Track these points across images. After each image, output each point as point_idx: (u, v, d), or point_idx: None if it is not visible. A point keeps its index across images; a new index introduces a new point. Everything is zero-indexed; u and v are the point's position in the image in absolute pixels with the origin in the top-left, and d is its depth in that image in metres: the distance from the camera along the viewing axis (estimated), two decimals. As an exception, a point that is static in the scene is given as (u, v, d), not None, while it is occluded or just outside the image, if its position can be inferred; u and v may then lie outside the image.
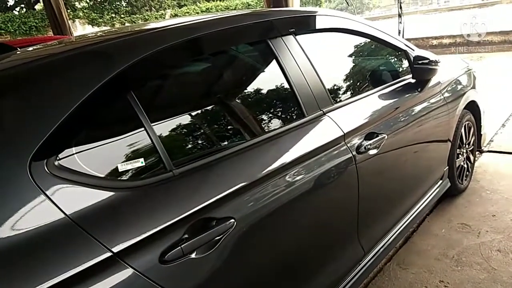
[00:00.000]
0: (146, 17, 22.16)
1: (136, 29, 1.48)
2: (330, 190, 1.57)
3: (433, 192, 2.46)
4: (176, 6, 24.14)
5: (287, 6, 4.83)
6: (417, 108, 2.13)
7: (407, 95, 2.11)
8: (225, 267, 1.18)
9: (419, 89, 2.18)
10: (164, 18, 21.11)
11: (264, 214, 1.30)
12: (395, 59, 2.34)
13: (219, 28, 1.45)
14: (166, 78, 1.38)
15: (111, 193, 1.03)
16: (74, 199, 0.98)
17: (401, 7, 5.08)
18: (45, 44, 1.58)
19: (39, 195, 0.93)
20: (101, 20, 20.99)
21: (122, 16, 21.93)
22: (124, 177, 1.10)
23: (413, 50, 2.26)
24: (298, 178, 1.43)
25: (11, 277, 0.85)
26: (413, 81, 2.20)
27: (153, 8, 23.52)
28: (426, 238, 2.47)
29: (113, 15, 21.67)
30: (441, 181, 2.57)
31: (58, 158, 1.00)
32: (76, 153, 1.04)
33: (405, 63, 2.29)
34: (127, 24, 20.76)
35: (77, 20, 19.77)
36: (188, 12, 22.40)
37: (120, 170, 1.10)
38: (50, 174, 0.96)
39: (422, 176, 2.35)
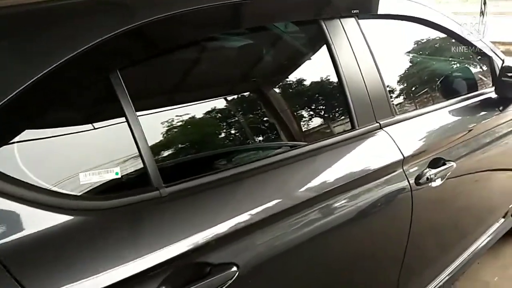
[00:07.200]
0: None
1: None
2: (374, 227, 1.19)
3: (493, 233, 2.01)
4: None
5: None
6: (494, 132, 1.69)
7: (485, 114, 1.68)
8: None
9: (500, 108, 1.74)
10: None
11: (281, 259, 0.95)
12: (474, 65, 1.89)
13: None
14: (164, 56, 1.00)
15: (61, 216, 0.71)
16: (1, 221, 0.66)
17: (485, 3, 4.31)
18: None
19: None
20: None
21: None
22: (85, 194, 0.77)
23: (502, 59, 1.80)
24: (334, 212, 1.06)
25: None
26: (494, 96, 1.75)
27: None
28: (475, 284, 2.04)
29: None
30: (503, 220, 2.11)
31: None
32: (18, 153, 0.71)
33: (486, 72, 1.84)
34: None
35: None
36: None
37: (81, 182, 0.76)
38: None
39: (484, 214, 1.92)
